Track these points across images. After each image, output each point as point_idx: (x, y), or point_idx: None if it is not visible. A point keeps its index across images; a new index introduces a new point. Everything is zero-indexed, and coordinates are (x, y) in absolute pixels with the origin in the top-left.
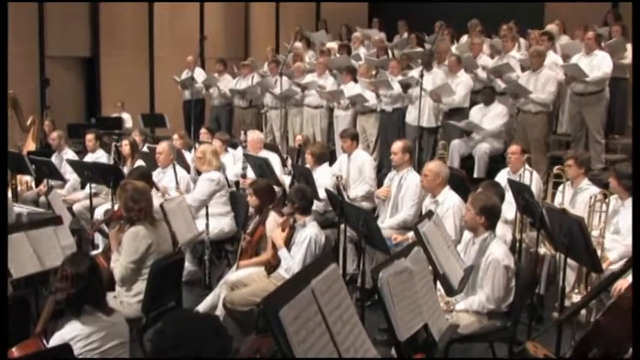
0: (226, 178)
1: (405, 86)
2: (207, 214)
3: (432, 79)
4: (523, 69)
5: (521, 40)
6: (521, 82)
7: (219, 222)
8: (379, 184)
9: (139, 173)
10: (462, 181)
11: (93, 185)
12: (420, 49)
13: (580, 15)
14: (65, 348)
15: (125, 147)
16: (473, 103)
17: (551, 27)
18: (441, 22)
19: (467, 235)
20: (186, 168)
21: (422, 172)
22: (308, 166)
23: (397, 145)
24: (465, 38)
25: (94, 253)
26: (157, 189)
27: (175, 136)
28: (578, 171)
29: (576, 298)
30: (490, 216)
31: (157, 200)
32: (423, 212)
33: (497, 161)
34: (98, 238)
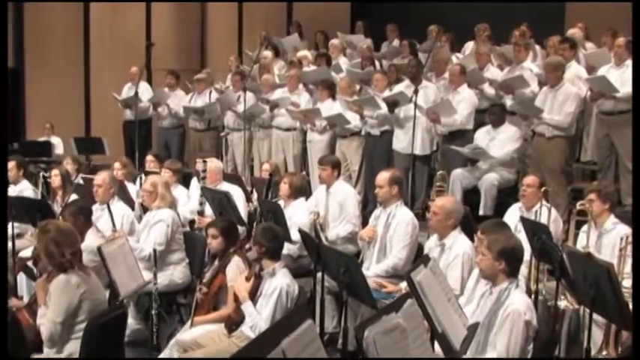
0: (178, 216)
1: (392, 104)
2: (154, 259)
3: (423, 94)
4: (540, 84)
5: (537, 47)
6: (538, 100)
7: (171, 269)
8: (364, 222)
9: (77, 208)
10: (465, 219)
11: (15, 224)
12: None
13: (607, 17)
14: None
15: (55, 178)
16: (478, 125)
17: (572, 32)
18: (437, 26)
19: (472, 282)
20: (130, 203)
21: (430, 209)
22: (281, 200)
23: (382, 177)
24: (470, 46)
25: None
26: (97, 228)
27: (117, 165)
28: (602, 207)
29: None
30: (511, 260)
31: (96, 241)
32: (427, 253)
33: (508, 195)
34: (22, 288)
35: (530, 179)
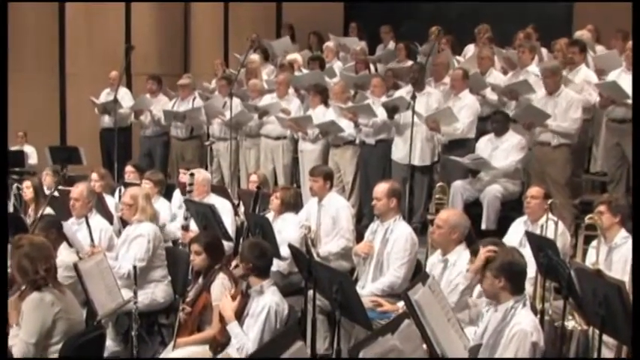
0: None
1: (391, 110)
2: (135, 277)
3: (426, 101)
4: None
5: (544, 50)
6: (534, 105)
7: (152, 287)
8: (359, 237)
9: (49, 222)
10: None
11: None
12: (410, 63)
13: (618, 19)
14: None
15: (27, 190)
16: (480, 133)
17: (581, 34)
18: (438, 28)
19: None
20: (108, 217)
21: (434, 222)
22: (270, 214)
23: (381, 189)
24: (470, 49)
25: None
26: (70, 244)
27: (94, 176)
28: (613, 219)
29: None
30: (512, 276)
31: (71, 258)
32: (428, 271)
33: (512, 208)
34: None
35: (534, 190)
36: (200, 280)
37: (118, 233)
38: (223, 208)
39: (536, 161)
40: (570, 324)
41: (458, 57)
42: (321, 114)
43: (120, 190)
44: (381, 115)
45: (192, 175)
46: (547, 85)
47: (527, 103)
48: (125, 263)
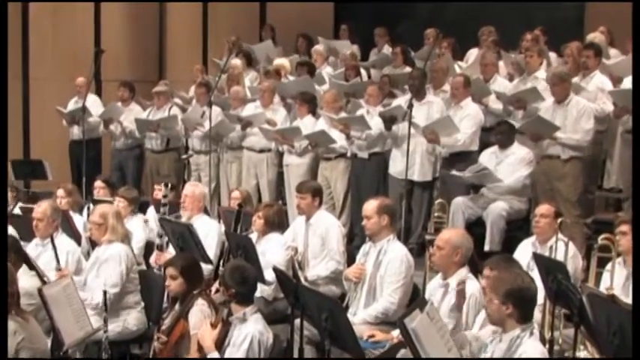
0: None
1: (389, 120)
2: (104, 303)
3: (427, 110)
4: None
5: (552, 55)
6: (542, 116)
7: (124, 314)
8: (350, 259)
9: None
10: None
11: None
12: (408, 69)
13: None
14: None
15: None
16: (483, 145)
17: (593, 36)
18: (436, 30)
19: (475, 329)
20: (76, 237)
21: (435, 243)
22: (253, 234)
23: (370, 206)
24: (474, 53)
25: None
26: (30, 266)
27: (60, 192)
28: None
29: None
30: (520, 303)
31: (32, 282)
32: (427, 297)
33: (518, 228)
34: None
35: (544, 208)
36: (177, 306)
37: (87, 255)
38: (211, 229)
39: (544, 176)
40: (582, 354)
41: (459, 62)
42: (309, 125)
43: (89, 208)
44: (375, 126)
45: (166, 186)
46: (555, 94)
47: (535, 112)
48: (96, 294)
